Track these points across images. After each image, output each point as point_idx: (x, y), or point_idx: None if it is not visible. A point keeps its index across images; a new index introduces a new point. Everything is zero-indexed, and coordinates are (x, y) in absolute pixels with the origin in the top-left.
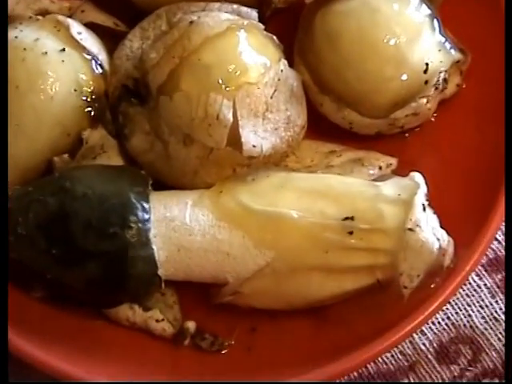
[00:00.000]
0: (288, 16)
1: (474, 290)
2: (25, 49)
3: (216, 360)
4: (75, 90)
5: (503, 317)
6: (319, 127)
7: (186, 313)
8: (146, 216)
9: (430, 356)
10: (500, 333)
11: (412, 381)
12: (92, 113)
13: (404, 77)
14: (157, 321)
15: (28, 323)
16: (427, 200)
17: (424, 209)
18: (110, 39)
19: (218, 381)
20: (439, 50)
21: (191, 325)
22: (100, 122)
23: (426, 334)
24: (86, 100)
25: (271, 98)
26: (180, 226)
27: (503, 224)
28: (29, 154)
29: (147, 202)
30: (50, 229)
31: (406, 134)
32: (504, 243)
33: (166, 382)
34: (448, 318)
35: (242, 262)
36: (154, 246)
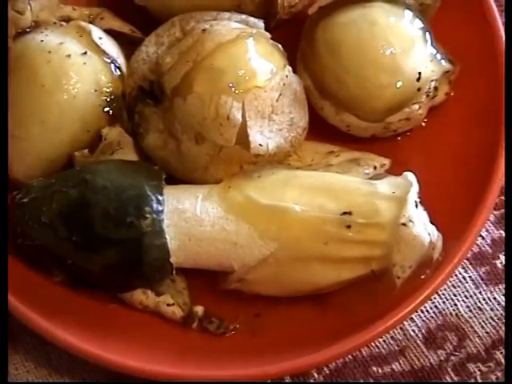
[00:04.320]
0: (292, 26)
1: (460, 282)
2: (50, 52)
3: (222, 342)
4: (95, 90)
5: (486, 306)
6: (319, 129)
7: (194, 298)
8: (160, 207)
9: (418, 341)
10: (483, 321)
11: (402, 364)
12: (110, 112)
13: (399, 84)
14: (168, 305)
15: (48, 304)
16: (419, 197)
17: (416, 205)
18: (127, 45)
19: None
20: (431, 61)
21: (199, 309)
22: (117, 121)
23: (415, 321)
24: (105, 100)
25: (277, 101)
26: (191, 218)
27: (488, 222)
28: (52, 147)
29: (161, 194)
30: (72, 218)
31: (399, 137)
32: (488, 239)
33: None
34: (436, 306)
35: (247, 251)
36: (167, 236)
